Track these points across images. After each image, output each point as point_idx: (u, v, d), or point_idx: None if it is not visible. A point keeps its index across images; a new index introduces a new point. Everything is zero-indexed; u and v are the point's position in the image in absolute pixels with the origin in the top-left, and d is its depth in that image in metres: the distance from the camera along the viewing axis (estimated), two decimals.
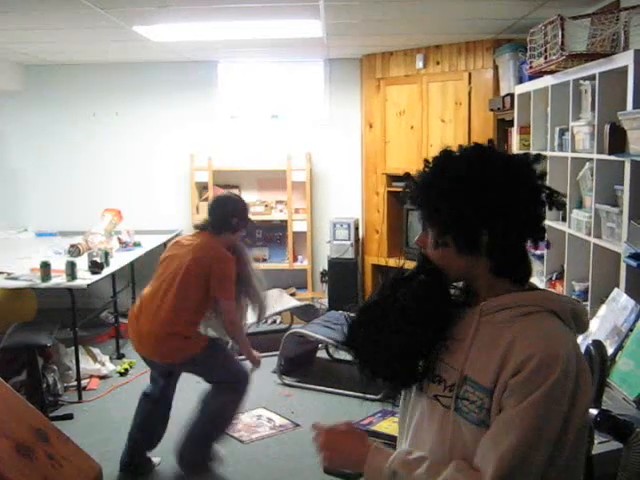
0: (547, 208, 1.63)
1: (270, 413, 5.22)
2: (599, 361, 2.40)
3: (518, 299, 1.59)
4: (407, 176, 1.70)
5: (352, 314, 1.70)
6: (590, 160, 3.92)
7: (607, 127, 3.60)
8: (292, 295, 7.49)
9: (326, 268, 7.70)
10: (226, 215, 4.20)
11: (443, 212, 1.57)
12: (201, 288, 4.08)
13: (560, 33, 3.87)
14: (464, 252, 1.59)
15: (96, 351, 6.25)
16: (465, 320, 1.61)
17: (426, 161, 1.66)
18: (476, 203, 1.54)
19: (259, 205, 7.73)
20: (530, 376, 1.46)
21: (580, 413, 1.50)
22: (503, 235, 1.57)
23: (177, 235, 7.77)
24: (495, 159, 1.60)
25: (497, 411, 1.50)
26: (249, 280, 4.32)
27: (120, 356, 6.48)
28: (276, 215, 7.76)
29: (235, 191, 7.79)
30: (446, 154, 1.63)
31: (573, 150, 4.18)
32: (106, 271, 5.78)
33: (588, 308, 3.83)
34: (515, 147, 5.24)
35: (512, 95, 5.48)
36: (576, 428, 1.50)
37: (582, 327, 1.64)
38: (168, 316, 4.05)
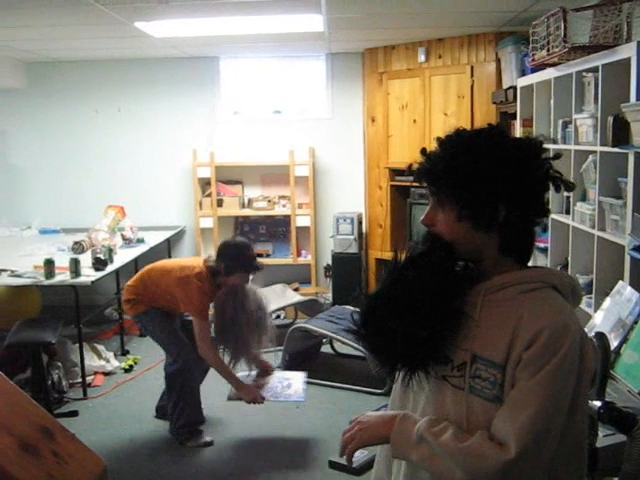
0: (555, 190, 1.64)
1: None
2: (602, 353, 2.40)
3: (521, 276, 1.61)
4: (421, 152, 1.68)
5: (361, 302, 1.67)
6: (593, 152, 3.91)
7: (610, 119, 3.59)
8: (296, 290, 7.50)
9: (330, 263, 7.70)
10: (218, 259, 4.59)
11: (465, 187, 1.56)
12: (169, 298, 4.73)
13: (562, 25, 3.85)
14: (481, 228, 1.59)
15: (101, 348, 6.26)
16: (469, 299, 1.61)
17: (439, 139, 1.65)
18: (496, 179, 1.55)
19: (262, 200, 7.72)
20: (543, 348, 1.49)
21: (586, 383, 1.55)
22: (518, 212, 1.58)
23: (180, 231, 7.79)
24: (509, 139, 1.63)
25: (510, 385, 1.52)
26: (236, 325, 4.59)
27: (125, 352, 6.48)
28: (279, 210, 7.75)
29: (238, 187, 7.80)
30: (461, 133, 1.64)
31: (576, 143, 4.17)
32: (110, 268, 5.78)
33: (592, 301, 3.83)
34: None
35: (515, 88, 5.47)
36: (583, 400, 1.55)
37: (578, 301, 1.69)
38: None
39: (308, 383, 4.90)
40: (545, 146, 1.65)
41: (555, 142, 4.53)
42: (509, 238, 1.61)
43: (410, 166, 1.72)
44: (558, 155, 1.67)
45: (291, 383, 4.84)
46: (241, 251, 4.58)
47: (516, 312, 1.55)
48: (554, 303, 1.58)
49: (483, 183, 1.56)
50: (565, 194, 4.28)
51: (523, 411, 1.47)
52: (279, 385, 4.80)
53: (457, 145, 1.60)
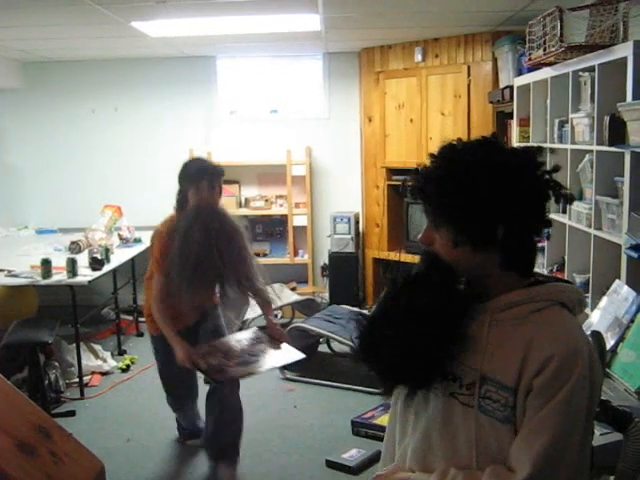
0: (555, 202, 1.62)
1: None
2: (598, 352, 2.40)
3: (529, 295, 1.57)
4: (414, 171, 1.63)
5: (360, 324, 1.65)
6: (590, 152, 3.92)
7: (607, 118, 3.59)
8: (293, 289, 7.50)
9: (327, 262, 7.70)
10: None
11: (460, 208, 1.52)
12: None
13: (559, 25, 3.86)
14: (480, 248, 1.55)
15: (97, 347, 6.25)
16: (476, 318, 1.58)
17: (432, 155, 1.61)
18: (492, 198, 1.51)
19: (259, 200, 7.72)
20: (554, 375, 1.48)
21: (597, 398, 1.56)
22: (517, 229, 1.55)
23: None
24: (504, 152, 1.58)
25: (522, 409, 1.51)
26: (201, 251, 3.79)
27: (122, 352, 6.48)
28: (276, 210, 7.76)
29: (235, 186, 7.79)
30: (454, 148, 1.59)
31: (573, 142, 4.18)
32: (107, 267, 5.78)
33: (589, 300, 3.84)
34: (515, 139, 5.23)
35: (511, 87, 5.48)
36: (594, 412, 1.56)
37: (581, 311, 1.67)
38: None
39: (305, 383, 4.88)
40: (542, 153, 1.62)
41: (552, 142, 4.54)
42: (509, 254, 1.57)
43: (404, 182, 1.69)
44: (557, 168, 1.62)
45: (263, 347, 3.99)
46: (188, 163, 4.04)
47: (526, 334, 1.53)
48: (564, 325, 1.56)
49: (479, 206, 1.51)
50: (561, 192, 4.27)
51: (537, 439, 1.47)
52: (244, 349, 3.94)
53: (450, 163, 1.55)
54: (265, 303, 4.15)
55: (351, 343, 5.41)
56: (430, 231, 1.60)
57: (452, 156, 1.57)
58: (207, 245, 3.77)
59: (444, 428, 1.61)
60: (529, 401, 1.50)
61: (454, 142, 1.61)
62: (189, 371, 3.86)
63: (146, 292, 4.16)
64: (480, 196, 1.50)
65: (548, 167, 1.60)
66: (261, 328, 4.22)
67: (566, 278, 4.26)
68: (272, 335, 4.02)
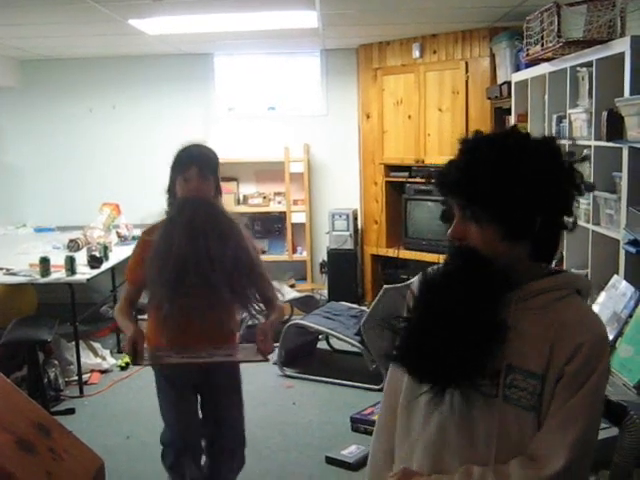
0: (578, 194, 1.63)
1: None
2: None
3: (553, 284, 1.60)
4: (445, 166, 1.59)
5: (396, 324, 1.64)
6: (588, 147, 3.91)
7: (605, 114, 3.59)
8: (292, 286, 7.49)
9: (325, 259, 7.70)
10: None
11: (509, 202, 1.51)
12: None
13: (556, 20, 3.86)
14: (517, 238, 1.56)
15: (97, 345, 6.26)
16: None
17: (466, 146, 1.59)
18: (534, 191, 1.52)
19: (257, 197, 7.72)
20: (586, 362, 1.52)
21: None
22: (552, 219, 1.57)
23: None
24: (537, 142, 1.60)
25: (550, 397, 1.53)
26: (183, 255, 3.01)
27: (121, 350, 6.47)
28: (274, 207, 7.75)
29: (233, 184, 7.78)
30: (488, 140, 1.59)
31: (571, 137, 4.17)
32: (105, 265, 5.78)
33: None
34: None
35: (509, 83, 5.48)
36: None
37: (590, 298, 1.77)
38: None
39: (304, 380, 4.87)
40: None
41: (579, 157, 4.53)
42: (542, 244, 1.59)
43: (428, 178, 1.68)
44: (586, 157, 1.66)
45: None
46: (179, 149, 3.22)
47: (553, 321, 1.55)
48: (588, 312, 1.63)
49: (525, 198, 1.51)
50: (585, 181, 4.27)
51: (572, 427, 1.50)
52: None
53: (487, 156, 1.54)
54: (272, 309, 3.24)
55: (350, 340, 5.43)
56: (462, 225, 1.58)
57: (489, 150, 1.55)
58: (193, 246, 2.98)
59: (462, 421, 1.59)
60: (559, 388, 1.53)
61: (485, 134, 1.61)
62: (192, 413, 3.37)
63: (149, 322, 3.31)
64: (525, 190, 1.51)
65: None
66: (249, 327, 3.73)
67: None
68: (258, 339, 3.07)
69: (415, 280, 1.72)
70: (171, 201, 3.23)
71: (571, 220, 1.62)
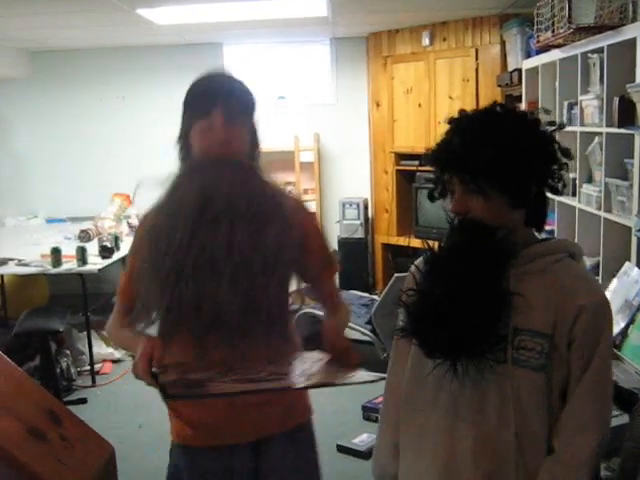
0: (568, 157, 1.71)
1: None
2: None
3: (548, 248, 1.68)
4: (443, 143, 1.65)
5: (407, 298, 1.65)
6: (599, 134, 3.89)
7: (616, 100, 3.57)
8: None
9: (336, 248, 7.69)
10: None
11: (511, 174, 1.58)
12: None
13: (567, 6, 3.82)
14: (518, 206, 1.62)
15: None
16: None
17: (459, 124, 1.66)
18: (529, 157, 1.59)
19: None
20: (592, 324, 1.59)
21: None
22: (544, 185, 1.65)
23: None
24: (524, 115, 1.70)
25: (560, 360, 1.59)
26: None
27: None
28: None
29: None
30: (481, 116, 1.68)
31: (582, 124, 4.15)
32: (116, 255, 5.79)
33: (600, 283, 3.82)
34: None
35: (520, 70, 5.45)
36: None
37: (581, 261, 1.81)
38: None
39: None
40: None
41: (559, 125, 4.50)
42: (535, 210, 1.66)
43: (426, 154, 1.69)
44: (562, 125, 1.76)
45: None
46: (194, 82, 2.19)
47: (554, 282, 1.61)
48: (587, 275, 1.75)
49: (524, 166, 1.59)
50: (571, 176, 4.26)
51: (604, 392, 1.62)
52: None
53: (491, 131, 1.60)
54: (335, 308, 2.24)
55: (361, 329, 5.43)
56: (464, 199, 1.62)
57: (489, 123, 1.63)
58: (209, 238, 1.82)
59: (473, 391, 1.63)
60: (573, 356, 1.59)
61: (469, 112, 1.70)
62: None
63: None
64: (524, 159, 1.58)
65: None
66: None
67: None
68: (329, 345, 2.00)
69: (418, 261, 1.73)
70: (183, 158, 2.12)
71: (559, 185, 1.68)
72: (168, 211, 1.92)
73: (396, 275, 5.22)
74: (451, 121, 1.67)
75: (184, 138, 2.10)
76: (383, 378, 1.52)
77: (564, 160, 1.67)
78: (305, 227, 2.06)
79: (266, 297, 1.86)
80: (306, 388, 1.99)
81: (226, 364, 1.77)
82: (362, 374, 1.79)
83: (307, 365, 1.87)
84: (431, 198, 1.74)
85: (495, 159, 1.56)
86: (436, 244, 1.68)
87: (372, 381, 1.79)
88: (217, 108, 1.97)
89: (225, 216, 1.82)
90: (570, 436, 1.59)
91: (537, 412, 1.60)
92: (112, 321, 2.17)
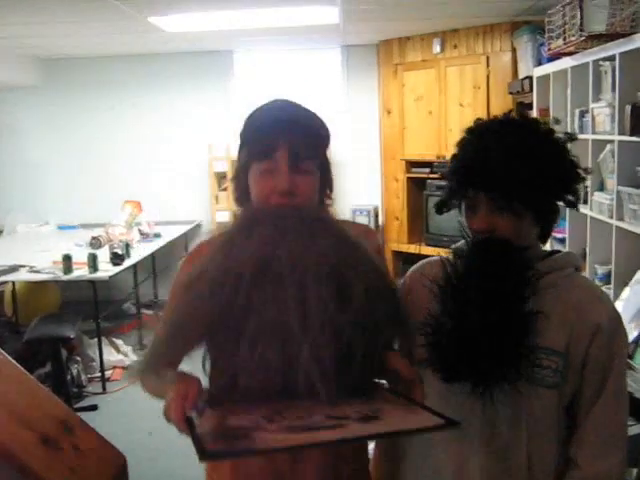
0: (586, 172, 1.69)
1: None
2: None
3: (557, 263, 1.63)
4: (470, 157, 1.58)
5: (440, 332, 1.54)
6: (611, 142, 3.88)
7: (628, 108, 3.56)
8: None
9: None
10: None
11: (539, 189, 1.53)
12: None
13: (579, 14, 3.82)
14: (541, 223, 1.61)
15: (119, 342, 6.29)
16: None
17: (487, 138, 1.58)
18: (557, 174, 1.57)
19: None
20: (607, 341, 1.57)
21: None
22: (561, 201, 1.63)
23: (197, 226, 7.77)
24: (544, 129, 1.65)
25: (574, 378, 1.58)
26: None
27: (143, 347, 6.50)
28: None
29: None
30: (508, 129, 1.61)
31: (594, 132, 4.14)
32: (127, 262, 5.81)
33: (612, 291, 3.80)
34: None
35: (531, 78, 5.44)
36: None
37: None
38: None
39: None
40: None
41: (573, 132, 4.50)
42: (549, 226, 1.65)
43: (451, 168, 1.63)
44: (574, 136, 1.69)
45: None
46: (253, 113, 1.79)
47: (567, 301, 1.58)
48: (598, 291, 1.70)
49: (554, 184, 1.57)
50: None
51: (620, 410, 1.60)
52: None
53: (527, 149, 1.54)
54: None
55: None
56: (491, 217, 1.55)
57: (523, 140, 1.57)
58: (274, 298, 1.41)
59: (486, 408, 1.58)
60: (590, 369, 1.58)
61: (490, 123, 1.65)
62: None
63: None
64: (554, 174, 1.56)
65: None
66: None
67: (588, 269, 4.24)
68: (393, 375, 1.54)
69: (430, 272, 1.65)
70: (238, 200, 1.73)
71: (575, 199, 1.65)
72: (222, 269, 1.44)
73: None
74: (473, 132, 1.63)
75: (241, 178, 1.69)
76: (457, 423, 1.30)
77: (583, 175, 1.64)
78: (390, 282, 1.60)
79: (357, 366, 1.42)
80: (375, 437, 1.70)
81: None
82: (430, 416, 1.36)
83: (366, 405, 1.43)
84: (439, 211, 1.69)
85: (529, 177, 1.51)
86: (450, 256, 1.64)
87: (447, 427, 1.33)
88: (280, 149, 1.59)
89: (292, 277, 1.39)
90: (594, 452, 1.58)
91: (549, 430, 1.59)
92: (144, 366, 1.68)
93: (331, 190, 1.82)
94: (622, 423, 1.61)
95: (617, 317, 1.62)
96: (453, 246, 1.70)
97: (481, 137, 1.60)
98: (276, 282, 1.37)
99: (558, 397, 1.58)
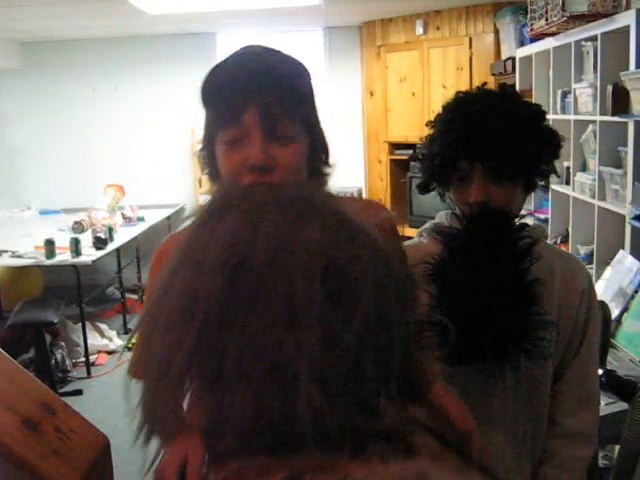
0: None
1: None
2: (602, 321, 2.40)
3: (536, 232, 1.61)
4: (480, 125, 1.54)
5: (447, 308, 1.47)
6: (593, 122, 3.89)
7: (610, 88, 3.57)
8: None
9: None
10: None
11: (532, 156, 1.56)
12: None
13: None
14: (530, 192, 1.65)
15: (103, 327, 6.27)
16: None
17: (481, 109, 1.56)
18: (546, 142, 1.60)
19: None
20: (589, 306, 1.65)
21: None
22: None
23: (180, 209, 7.74)
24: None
25: (563, 343, 1.62)
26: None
27: (127, 331, 6.50)
28: None
29: None
30: (499, 100, 1.60)
31: (576, 112, 4.15)
32: (110, 247, 5.78)
33: (593, 271, 3.83)
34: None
35: (513, 59, 5.44)
36: None
37: None
38: None
39: None
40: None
41: (555, 112, 4.51)
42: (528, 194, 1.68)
43: (446, 140, 1.59)
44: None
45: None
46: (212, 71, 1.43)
47: (551, 269, 1.60)
48: (573, 257, 1.86)
49: (544, 152, 1.60)
50: (565, 164, 4.27)
51: (589, 375, 1.67)
52: None
53: (517, 117, 1.55)
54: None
55: None
56: (484, 188, 1.54)
57: (513, 111, 1.57)
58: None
59: (489, 391, 1.58)
60: (574, 332, 1.63)
61: (479, 95, 1.64)
62: None
63: None
64: (544, 141, 1.59)
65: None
66: None
67: (570, 249, 4.26)
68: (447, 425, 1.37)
69: (427, 253, 1.59)
70: (210, 176, 1.41)
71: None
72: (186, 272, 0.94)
73: None
74: (459, 105, 1.63)
75: (208, 149, 1.38)
76: None
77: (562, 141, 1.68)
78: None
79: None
80: None
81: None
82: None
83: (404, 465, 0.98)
84: (425, 190, 1.67)
85: (524, 145, 1.52)
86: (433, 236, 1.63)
87: None
88: (249, 111, 1.24)
89: (273, 279, 0.91)
90: (572, 409, 1.64)
91: (545, 398, 1.63)
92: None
93: (327, 156, 1.57)
94: (595, 381, 1.69)
95: (591, 278, 1.72)
96: (426, 227, 1.70)
97: (470, 108, 1.58)
98: (253, 293, 0.89)
99: (551, 367, 1.61)
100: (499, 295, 1.46)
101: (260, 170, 1.22)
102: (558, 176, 1.78)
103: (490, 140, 1.51)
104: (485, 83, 1.73)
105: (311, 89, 1.46)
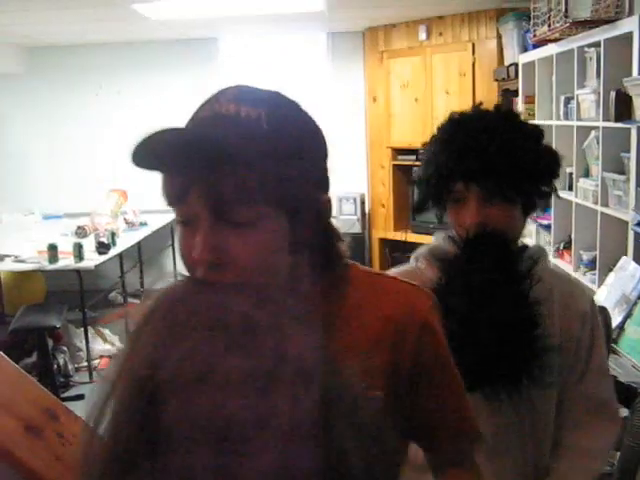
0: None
1: None
2: (603, 327, 2.40)
3: (536, 254, 1.59)
4: (467, 144, 1.52)
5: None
6: (596, 128, 3.89)
7: (613, 94, 3.56)
8: None
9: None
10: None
11: (530, 178, 1.53)
12: None
13: (563, 0, 3.82)
14: (528, 212, 1.60)
15: (106, 331, 6.27)
16: None
17: (476, 130, 1.54)
18: (545, 164, 1.57)
19: None
20: (593, 323, 1.64)
21: None
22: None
23: None
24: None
25: (565, 366, 1.58)
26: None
27: None
28: None
29: None
30: (497, 120, 1.59)
31: (579, 118, 4.15)
32: (113, 251, 5.79)
33: (596, 277, 3.82)
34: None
35: (516, 65, 5.44)
36: None
37: None
38: None
39: None
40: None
41: (558, 118, 4.51)
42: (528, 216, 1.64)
43: (441, 162, 1.55)
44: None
45: None
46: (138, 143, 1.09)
47: (551, 292, 1.56)
48: (573, 279, 1.85)
49: (544, 173, 1.58)
50: (568, 170, 4.27)
51: (599, 387, 1.64)
52: None
53: (514, 137, 1.53)
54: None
55: None
56: (484, 210, 1.51)
57: (514, 131, 1.55)
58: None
59: (494, 418, 1.52)
60: (579, 358, 1.61)
61: (473, 115, 1.62)
62: None
63: None
64: (543, 163, 1.56)
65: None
66: None
67: (573, 255, 4.26)
68: None
69: (430, 277, 1.53)
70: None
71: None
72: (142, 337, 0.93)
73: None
74: (454, 126, 1.58)
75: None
76: None
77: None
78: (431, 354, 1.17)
79: None
80: None
81: None
82: None
83: None
84: (419, 209, 1.65)
85: (528, 163, 1.50)
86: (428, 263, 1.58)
87: None
88: (194, 191, 1.01)
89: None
90: (579, 424, 1.62)
91: (550, 423, 1.60)
92: None
93: (323, 231, 1.18)
94: (607, 402, 1.66)
95: (594, 301, 1.70)
96: (421, 252, 1.63)
97: (466, 128, 1.55)
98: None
99: (555, 392, 1.57)
100: (501, 320, 1.44)
101: (208, 264, 0.95)
102: (558, 197, 1.72)
103: (485, 161, 1.48)
104: (481, 103, 1.68)
105: (302, 154, 1.09)
